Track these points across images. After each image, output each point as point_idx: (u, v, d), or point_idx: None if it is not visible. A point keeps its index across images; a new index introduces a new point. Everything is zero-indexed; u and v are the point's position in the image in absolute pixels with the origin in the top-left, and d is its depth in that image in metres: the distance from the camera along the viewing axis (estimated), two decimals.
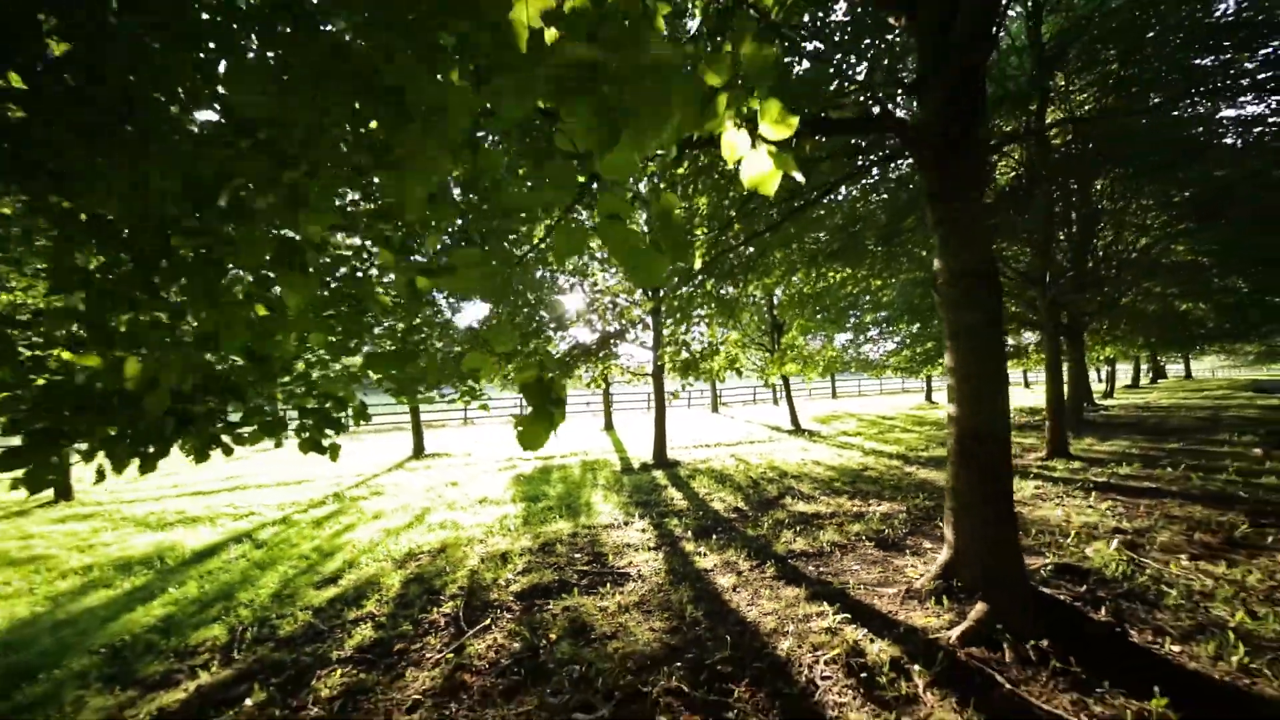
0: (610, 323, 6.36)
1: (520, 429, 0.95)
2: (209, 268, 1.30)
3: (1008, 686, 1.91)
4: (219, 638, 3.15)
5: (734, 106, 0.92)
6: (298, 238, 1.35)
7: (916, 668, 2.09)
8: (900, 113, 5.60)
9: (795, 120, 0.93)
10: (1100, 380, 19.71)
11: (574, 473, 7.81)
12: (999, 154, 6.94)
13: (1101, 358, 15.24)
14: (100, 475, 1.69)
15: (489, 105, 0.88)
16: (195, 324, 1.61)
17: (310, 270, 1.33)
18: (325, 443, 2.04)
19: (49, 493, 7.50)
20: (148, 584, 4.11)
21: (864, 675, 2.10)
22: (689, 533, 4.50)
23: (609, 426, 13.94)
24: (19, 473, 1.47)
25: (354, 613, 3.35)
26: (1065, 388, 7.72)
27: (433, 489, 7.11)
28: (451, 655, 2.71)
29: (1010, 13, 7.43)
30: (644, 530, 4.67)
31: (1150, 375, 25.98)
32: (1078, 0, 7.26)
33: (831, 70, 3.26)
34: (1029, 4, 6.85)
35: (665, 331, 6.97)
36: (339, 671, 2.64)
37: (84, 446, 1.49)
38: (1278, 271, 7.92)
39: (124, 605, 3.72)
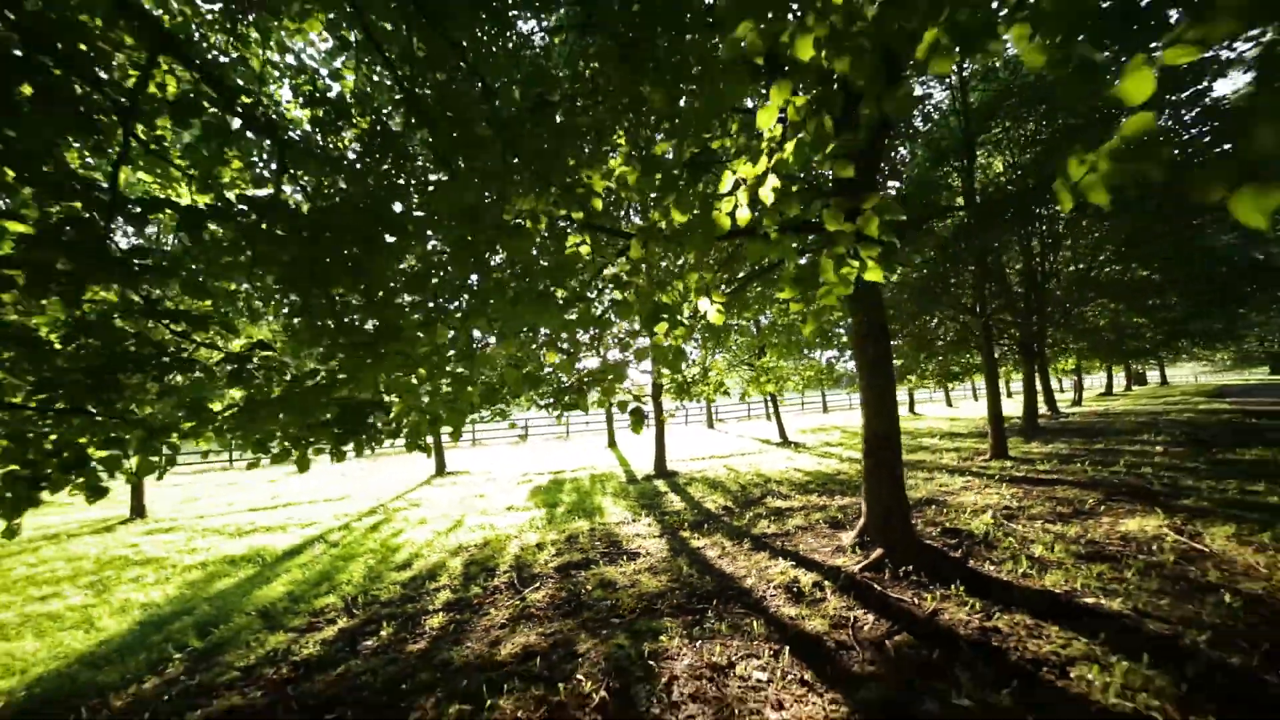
0: (619, 354, 7.63)
1: (632, 425, 2.17)
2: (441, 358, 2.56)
3: (878, 589, 3.12)
4: (336, 604, 4.29)
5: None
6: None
7: (829, 585, 3.29)
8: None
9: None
10: (1062, 390, 21.01)
11: (584, 484, 8.98)
12: (942, 215, 8.39)
13: (1065, 369, 16.58)
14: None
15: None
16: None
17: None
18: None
19: (125, 510, 8.60)
20: (258, 573, 5.24)
21: (796, 591, 3.30)
22: (685, 525, 5.68)
23: (612, 444, 15.09)
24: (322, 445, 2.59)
25: (433, 585, 4.50)
26: (1025, 398, 8.96)
27: (463, 500, 8.26)
28: (518, 602, 3.88)
29: (940, 85, 8.98)
30: (649, 524, 5.85)
31: (1126, 383, 27.37)
32: (1002, 74, 8.80)
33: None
34: (958, 77, 8.36)
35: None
36: (439, 616, 3.79)
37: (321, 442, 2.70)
38: (1205, 292, 9.24)
39: (249, 586, 4.86)
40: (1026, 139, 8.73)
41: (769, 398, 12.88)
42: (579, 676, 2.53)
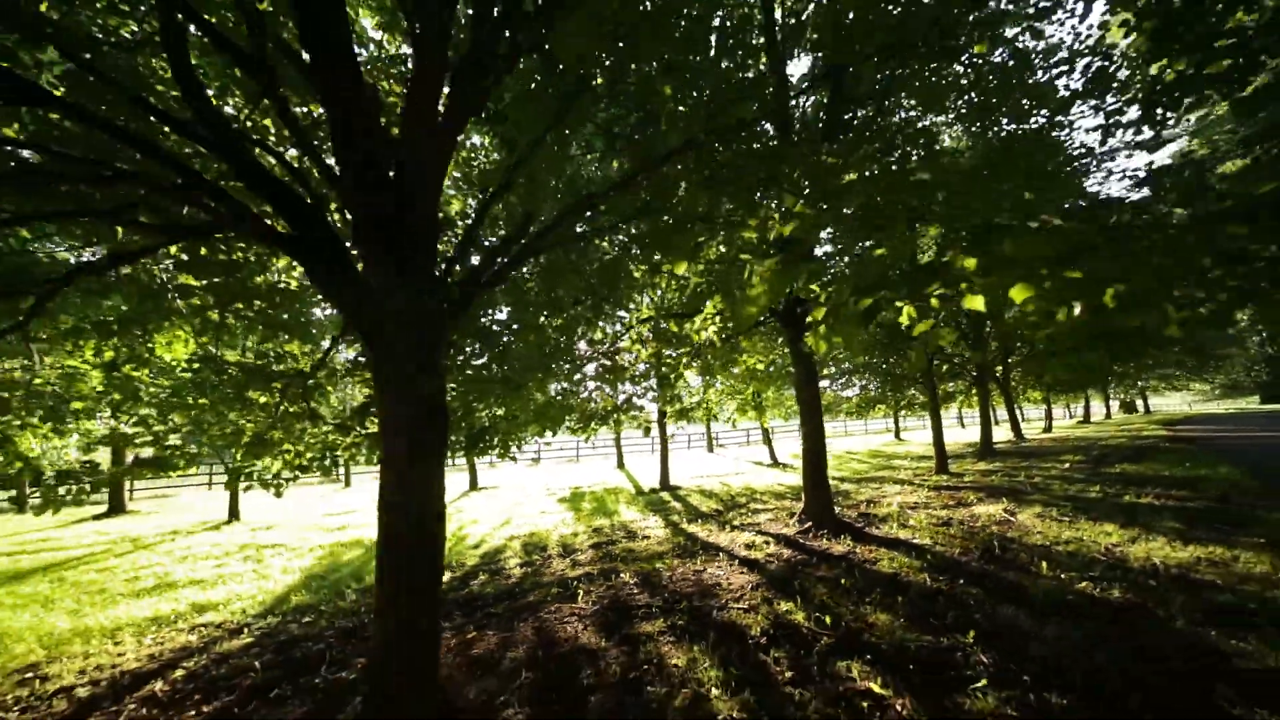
0: (629, 384, 9.74)
1: (644, 431, 4.26)
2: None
3: (800, 541, 5.14)
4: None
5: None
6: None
7: (772, 541, 5.31)
8: None
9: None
10: (1024, 419, 22.81)
11: (601, 495, 10.95)
12: None
13: (1035, 399, 18.57)
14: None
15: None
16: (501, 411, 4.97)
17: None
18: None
19: (218, 517, 10.59)
20: (368, 552, 7.22)
21: (750, 545, 5.31)
22: (683, 519, 7.66)
23: (621, 465, 17.05)
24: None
25: (502, 556, 6.49)
26: (981, 425, 10.78)
27: (503, 508, 10.24)
28: (569, 560, 5.87)
29: None
30: (655, 520, 7.83)
31: (1106, 413, 29.20)
32: None
33: None
34: None
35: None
36: (517, 569, 5.78)
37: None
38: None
39: (367, 559, 6.84)
40: None
41: (764, 427, 14.89)
42: (623, 575, 4.55)
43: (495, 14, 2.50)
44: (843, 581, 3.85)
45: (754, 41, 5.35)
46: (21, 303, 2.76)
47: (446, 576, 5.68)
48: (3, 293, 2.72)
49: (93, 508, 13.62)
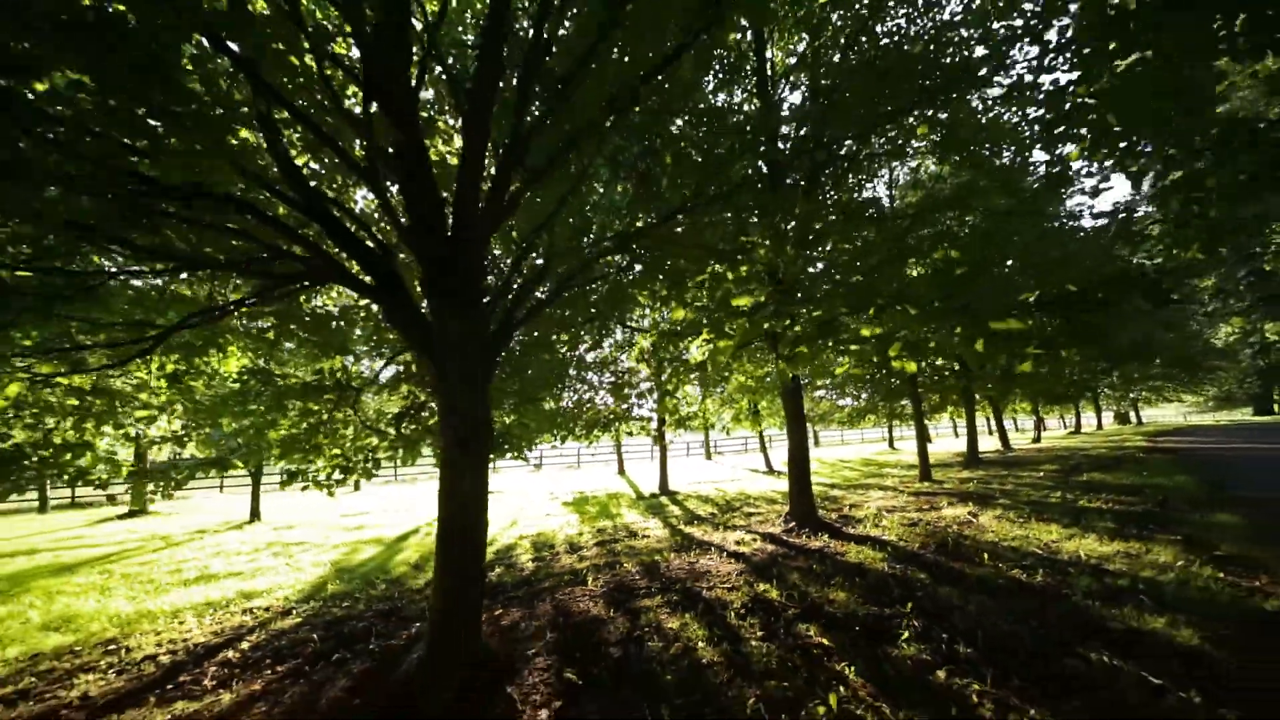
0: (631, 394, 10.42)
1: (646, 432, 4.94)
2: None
3: (784, 538, 5.80)
4: None
5: None
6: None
7: (759, 538, 5.96)
8: None
9: None
10: (1018, 429, 23.47)
11: (603, 499, 11.58)
12: None
13: (1024, 410, 19.23)
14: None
15: None
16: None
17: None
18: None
19: (239, 517, 11.22)
20: (386, 549, 7.85)
21: (740, 541, 5.96)
22: (681, 522, 8.30)
23: (621, 471, 17.69)
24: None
25: (514, 554, 7.12)
26: (968, 436, 11.43)
27: (510, 511, 10.87)
28: (576, 557, 6.51)
29: None
30: (655, 521, 8.47)
31: (1098, 423, 29.85)
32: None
33: None
34: None
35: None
36: (529, 563, 6.41)
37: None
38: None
39: (387, 555, 7.48)
40: None
41: (760, 435, 15.55)
42: (626, 566, 5.21)
43: (534, 111, 3.21)
44: (814, 569, 4.51)
45: (749, 87, 6.10)
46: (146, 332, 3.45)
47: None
48: (133, 332, 3.43)
49: (115, 509, 14.26)
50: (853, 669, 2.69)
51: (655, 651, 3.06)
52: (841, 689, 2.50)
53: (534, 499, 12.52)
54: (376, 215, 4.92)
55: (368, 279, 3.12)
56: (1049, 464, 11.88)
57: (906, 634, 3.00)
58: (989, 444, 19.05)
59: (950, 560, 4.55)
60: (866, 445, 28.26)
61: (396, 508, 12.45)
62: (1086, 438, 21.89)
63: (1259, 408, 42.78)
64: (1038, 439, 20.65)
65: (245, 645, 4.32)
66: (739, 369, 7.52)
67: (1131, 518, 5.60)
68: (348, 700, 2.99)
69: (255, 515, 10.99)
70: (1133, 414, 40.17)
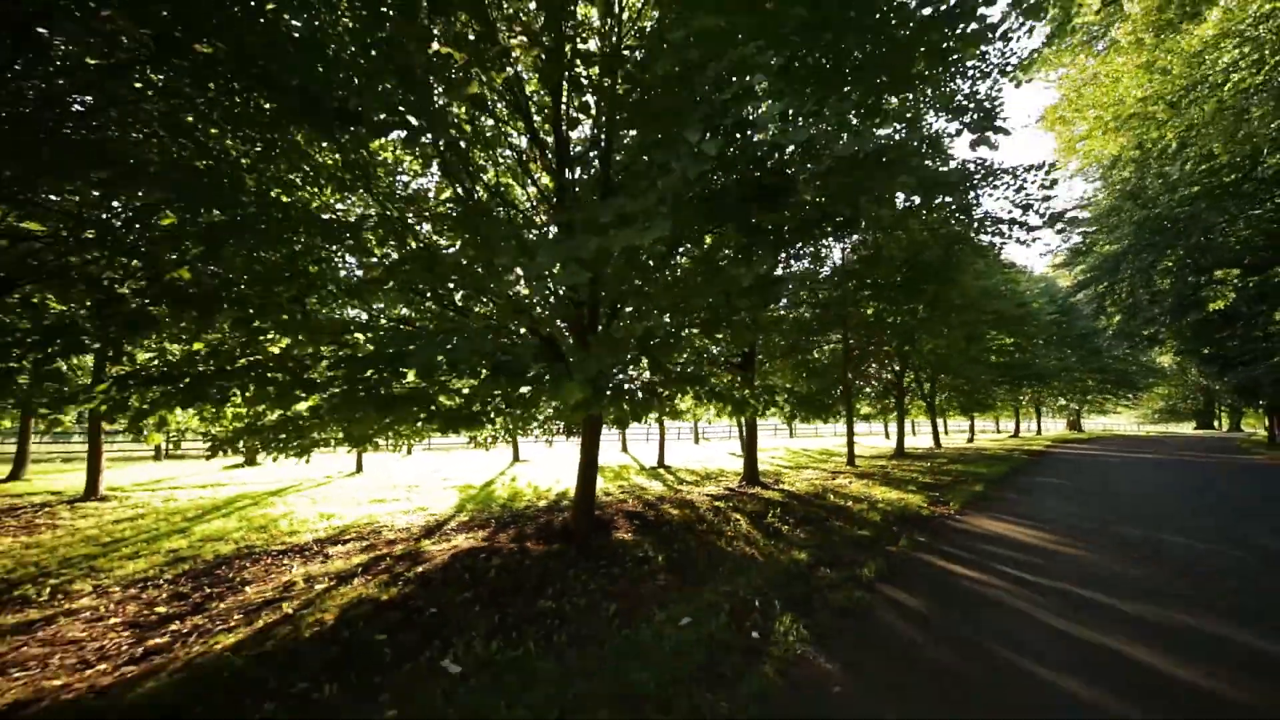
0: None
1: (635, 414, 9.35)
2: None
3: (738, 490, 10.32)
4: (525, 495, 11.36)
5: None
6: None
7: (722, 489, 10.48)
8: None
9: None
10: (946, 431, 28.45)
11: (615, 469, 16.09)
12: None
13: (954, 414, 24.02)
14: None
15: None
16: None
17: None
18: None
19: (352, 467, 15.55)
20: (482, 490, 12.28)
21: (711, 495, 10.48)
22: (675, 483, 12.82)
23: (625, 449, 22.28)
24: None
25: (566, 500, 11.60)
26: (897, 433, 15.91)
27: (550, 474, 15.34)
28: (612, 498, 10.99)
29: None
30: (658, 484, 12.99)
31: (1037, 429, 35.01)
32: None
33: None
34: None
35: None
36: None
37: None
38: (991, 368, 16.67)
39: (485, 494, 11.91)
40: None
41: (739, 424, 20.12)
42: (646, 498, 9.72)
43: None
44: (745, 499, 9.02)
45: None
46: None
47: (542, 503, 10.78)
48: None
49: (225, 460, 18.49)
50: (746, 523, 7.15)
51: (670, 519, 7.52)
52: (740, 527, 6.97)
53: (562, 466, 17.03)
54: None
55: (543, 344, 7.45)
56: (942, 458, 16.61)
57: (770, 516, 7.49)
58: (927, 442, 23.83)
59: (815, 499, 9.08)
60: (825, 439, 33.20)
61: (457, 468, 16.87)
62: (1019, 441, 26.83)
63: (1200, 422, 48.34)
64: (970, 439, 25.53)
65: (452, 524, 8.70)
66: (717, 380, 11.95)
67: (928, 486, 10.18)
68: (537, 535, 7.41)
69: (359, 468, 15.35)
70: (1084, 423, 45.29)
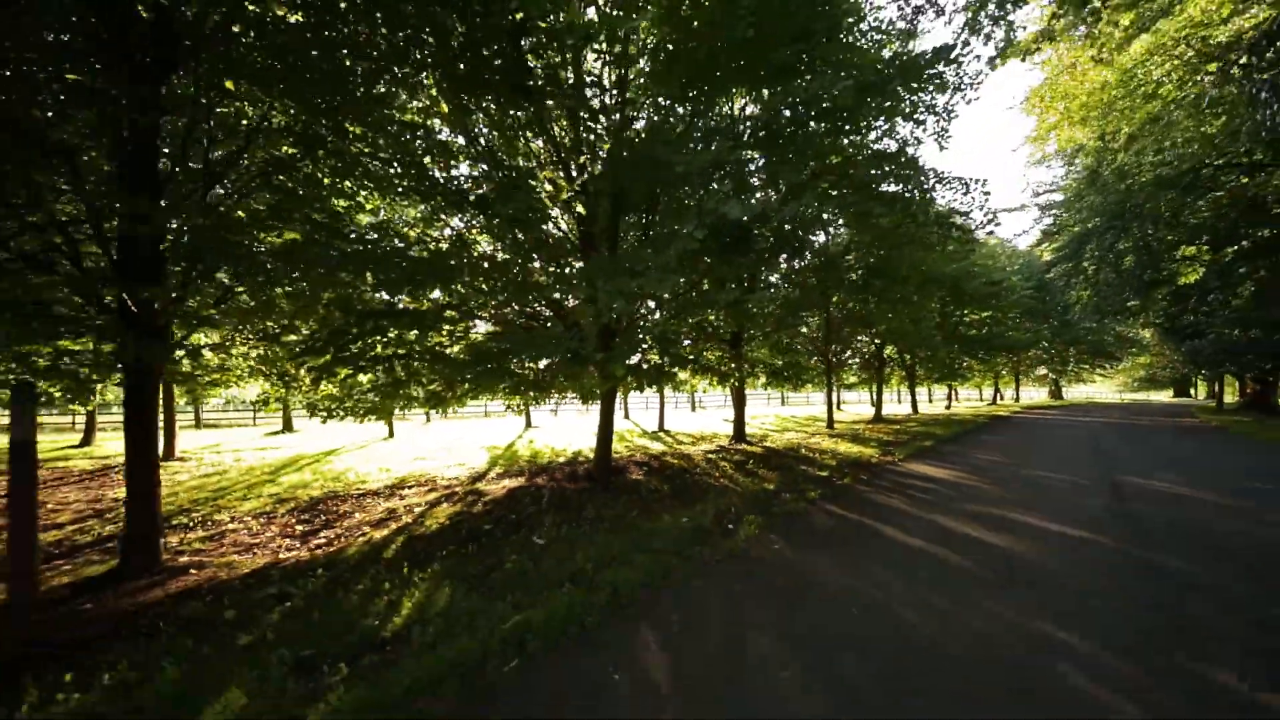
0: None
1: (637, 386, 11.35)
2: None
3: (728, 447, 12.40)
4: (547, 454, 13.44)
5: None
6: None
7: (715, 447, 12.57)
8: None
9: None
10: (930, 399, 30.73)
11: (621, 433, 18.20)
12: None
13: (933, 384, 26.14)
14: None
15: None
16: None
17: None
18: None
19: (385, 433, 17.58)
20: (506, 450, 14.35)
21: (705, 451, 12.56)
22: (675, 444, 14.91)
23: (627, 415, 24.44)
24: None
25: (583, 458, 13.69)
26: (875, 400, 18.12)
27: (562, 438, 17.42)
28: (625, 455, 13.08)
29: None
30: (660, 445, 15.08)
31: (1016, 396, 37.35)
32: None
33: None
34: None
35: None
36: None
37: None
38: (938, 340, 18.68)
39: (509, 454, 13.98)
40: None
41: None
42: (650, 453, 11.81)
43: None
44: (733, 453, 11.09)
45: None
46: None
47: (560, 459, 12.86)
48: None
49: (261, 427, 20.51)
50: (731, 468, 9.21)
51: (671, 466, 9.58)
52: (726, 471, 9.02)
53: (573, 432, 19.14)
54: None
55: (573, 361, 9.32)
56: (914, 422, 18.78)
57: (751, 464, 9.56)
58: (906, 409, 26.04)
59: (789, 453, 11.16)
60: (813, 407, 35.48)
61: (477, 434, 18.95)
62: (995, 408, 29.11)
63: (1177, 390, 50.87)
64: (949, 406, 27.77)
65: (491, 474, 10.75)
66: (709, 357, 13.90)
67: (888, 442, 12.27)
68: (566, 478, 9.45)
69: (391, 434, 17.40)
70: (1066, 391, 47.61)
